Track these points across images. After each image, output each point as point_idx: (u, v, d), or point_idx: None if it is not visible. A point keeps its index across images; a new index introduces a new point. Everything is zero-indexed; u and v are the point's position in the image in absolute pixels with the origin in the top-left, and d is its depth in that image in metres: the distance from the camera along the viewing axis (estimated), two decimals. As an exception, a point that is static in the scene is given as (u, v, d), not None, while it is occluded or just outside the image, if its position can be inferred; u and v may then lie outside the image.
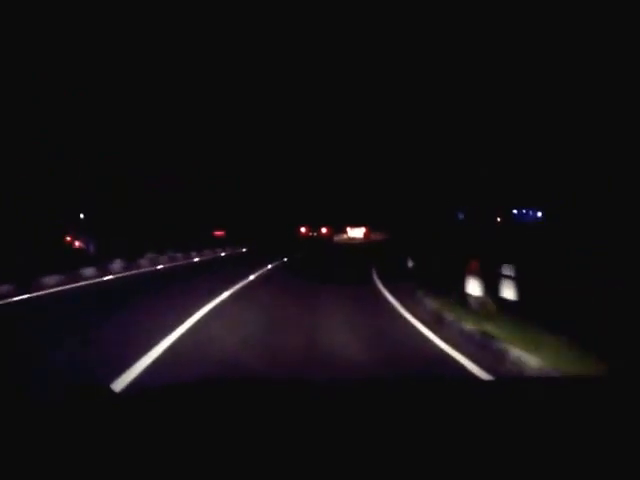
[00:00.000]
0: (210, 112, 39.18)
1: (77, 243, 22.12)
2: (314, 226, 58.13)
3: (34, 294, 9.52)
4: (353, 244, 47.44)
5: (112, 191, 28.17)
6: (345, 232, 58.97)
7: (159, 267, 17.18)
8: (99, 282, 12.12)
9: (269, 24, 46.49)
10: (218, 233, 39.98)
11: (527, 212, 40.06)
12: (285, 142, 51.26)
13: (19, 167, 21.79)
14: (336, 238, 56.24)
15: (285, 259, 20.90)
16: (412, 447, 0.98)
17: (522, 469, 0.89)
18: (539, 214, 38.12)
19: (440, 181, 36.26)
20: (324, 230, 58.43)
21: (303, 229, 57.63)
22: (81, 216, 26.45)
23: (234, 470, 0.90)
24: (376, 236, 56.19)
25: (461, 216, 41.38)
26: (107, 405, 1.28)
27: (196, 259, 22.24)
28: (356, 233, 58.37)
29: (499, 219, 37.40)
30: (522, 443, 1.00)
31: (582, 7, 15.02)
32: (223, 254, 26.62)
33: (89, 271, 13.38)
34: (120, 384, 3.76)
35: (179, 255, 21.73)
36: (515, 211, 40.03)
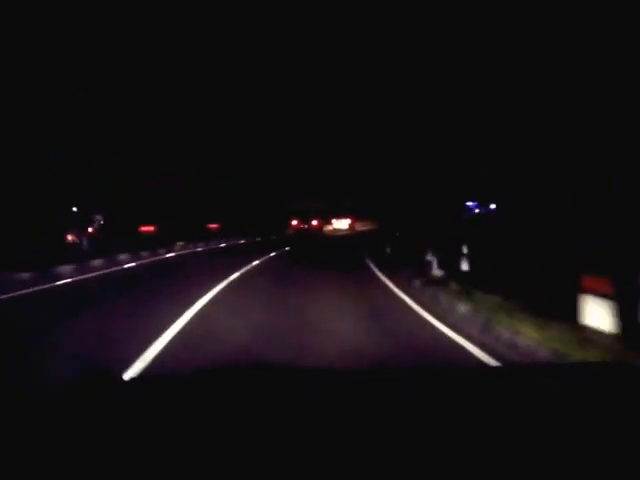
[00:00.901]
0: (210, 112, 39.17)
1: (70, 237, 19.82)
2: (304, 218, 58.24)
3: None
4: (340, 235, 47.91)
5: (112, 191, 28.18)
6: (330, 223, 59.53)
7: None
8: None
9: (269, 23, 46.50)
10: (146, 229, 30.07)
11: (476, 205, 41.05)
12: (280, 137, 51.05)
13: (19, 167, 21.77)
14: (325, 229, 57.39)
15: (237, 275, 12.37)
16: (419, 439, 0.98)
17: (530, 460, 0.89)
18: (492, 206, 39.59)
19: (430, 176, 36.28)
20: (314, 222, 58.87)
21: (294, 222, 57.54)
22: (74, 209, 25.48)
23: (238, 464, 0.91)
24: (362, 227, 56.80)
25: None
26: (108, 396, 1.28)
27: (66, 281, 11.67)
28: (341, 224, 59.14)
29: (477, 211, 38.75)
30: (531, 432, 0.99)
31: (582, 7, 15.02)
32: (128, 266, 15.80)
33: None
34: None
35: (25, 277, 11.53)
36: (470, 204, 40.99)
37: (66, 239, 19.36)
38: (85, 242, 19.44)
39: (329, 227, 58.87)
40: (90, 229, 25.23)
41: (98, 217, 26.35)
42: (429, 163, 34.18)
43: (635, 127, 14.25)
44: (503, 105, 20.45)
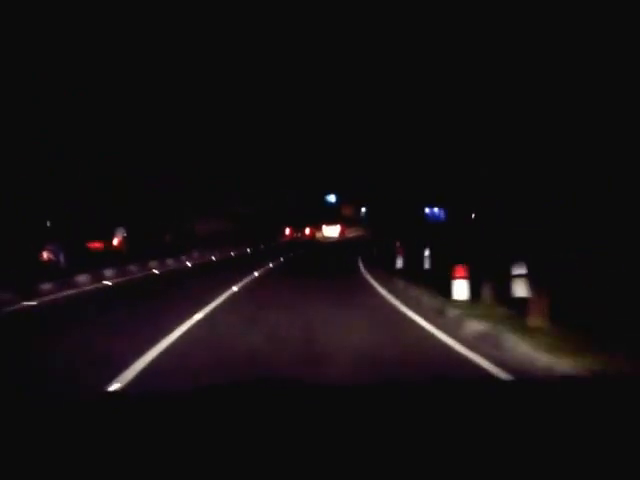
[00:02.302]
0: (210, 112, 39.15)
1: (45, 254, 17.47)
2: (297, 227, 58.75)
3: None
4: (332, 242, 47.91)
5: (112, 191, 28.17)
6: (320, 230, 59.29)
7: None
8: None
9: (269, 24, 46.46)
10: None
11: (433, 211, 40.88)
12: (275, 139, 50.58)
13: (19, 167, 21.76)
14: (317, 237, 57.79)
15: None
16: (426, 457, 0.96)
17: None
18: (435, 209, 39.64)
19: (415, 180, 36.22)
20: (307, 231, 59.31)
21: (288, 230, 57.89)
22: (47, 224, 23.37)
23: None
24: (351, 233, 56.93)
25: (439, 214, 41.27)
26: (105, 410, 1.27)
27: None
28: (331, 232, 58.59)
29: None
30: (543, 450, 0.96)
31: (582, 7, 15.00)
32: None
33: None
34: None
35: None
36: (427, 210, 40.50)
37: (41, 257, 17.28)
38: (62, 259, 17.60)
39: (318, 234, 58.89)
40: (115, 242, 24.94)
41: (121, 229, 25.94)
42: (421, 169, 34.18)
43: (635, 127, 14.25)
44: (503, 105, 20.44)
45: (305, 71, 54.96)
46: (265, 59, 50.37)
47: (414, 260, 13.90)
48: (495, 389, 1.62)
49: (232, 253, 30.59)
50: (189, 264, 22.88)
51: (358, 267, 18.86)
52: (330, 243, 46.98)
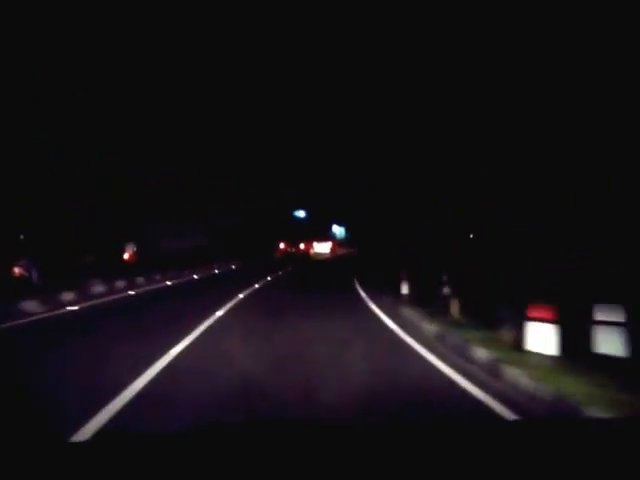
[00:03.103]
0: (210, 112, 39.16)
1: (17, 270, 16.47)
2: (292, 242, 59.12)
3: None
4: (325, 259, 46.72)
5: (112, 191, 28.16)
6: (312, 247, 58.99)
7: None
8: None
9: (269, 25, 46.48)
10: None
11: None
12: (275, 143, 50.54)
13: (19, 167, 21.75)
14: (311, 252, 57.77)
15: None
16: None
17: None
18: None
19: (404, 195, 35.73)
20: (302, 246, 59.71)
21: (282, 245, 58.12)
22: (21, 237, 22.46)
23: None
24: (341, 251, 56.83)
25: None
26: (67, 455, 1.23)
27: None
28: (323, 248, 58.09)
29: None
30: None
31: (582, 7, 15.00)
32: None
33: None
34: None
35: None
36: None
37: (13, 272, 16.34)
38: (35, 275, 16.62)
39: (310, 251, 58.87)
40: (126, 256, 24.83)
41: (131, 244, 25.89)
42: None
43: (635, 127, 14.25)
44: (502, 105, 20.44)
45: (303, 73, 54.99)
46: (258, 57, 50.36)
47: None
48: (500, 432, 1.55)
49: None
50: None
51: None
52: (323, 261, 43.87)
